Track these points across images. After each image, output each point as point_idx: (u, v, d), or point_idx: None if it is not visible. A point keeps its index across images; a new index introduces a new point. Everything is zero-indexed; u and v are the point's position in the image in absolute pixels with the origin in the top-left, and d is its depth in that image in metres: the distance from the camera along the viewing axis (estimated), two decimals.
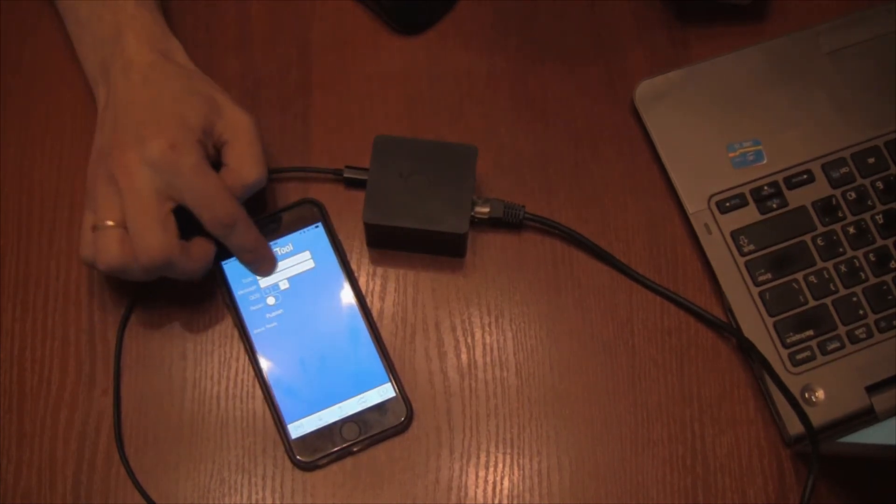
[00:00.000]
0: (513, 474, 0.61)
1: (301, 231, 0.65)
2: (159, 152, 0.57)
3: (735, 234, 0.64)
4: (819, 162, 0.66)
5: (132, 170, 0.57)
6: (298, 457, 0.61)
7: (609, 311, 0.64)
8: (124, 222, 0.57)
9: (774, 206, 0.65)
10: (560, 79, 0.69)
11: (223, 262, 0.64)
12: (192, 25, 0.69)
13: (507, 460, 0.62)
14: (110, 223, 0.57)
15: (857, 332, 0.63)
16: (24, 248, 0.65)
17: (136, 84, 0.59)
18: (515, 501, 0.61)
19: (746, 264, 0.64)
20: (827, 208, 0.65)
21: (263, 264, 0.62)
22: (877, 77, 0.68)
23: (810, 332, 0.63)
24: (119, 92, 0.59)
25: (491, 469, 0.61)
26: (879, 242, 0.64)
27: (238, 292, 0.63)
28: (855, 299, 0.63)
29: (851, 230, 0.64)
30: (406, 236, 0.63)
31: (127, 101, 0.59)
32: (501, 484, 0.61)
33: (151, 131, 0.57)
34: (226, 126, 0.60)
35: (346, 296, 0.64)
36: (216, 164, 0.61)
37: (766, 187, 0.65)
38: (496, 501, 0.61)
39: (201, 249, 0.60)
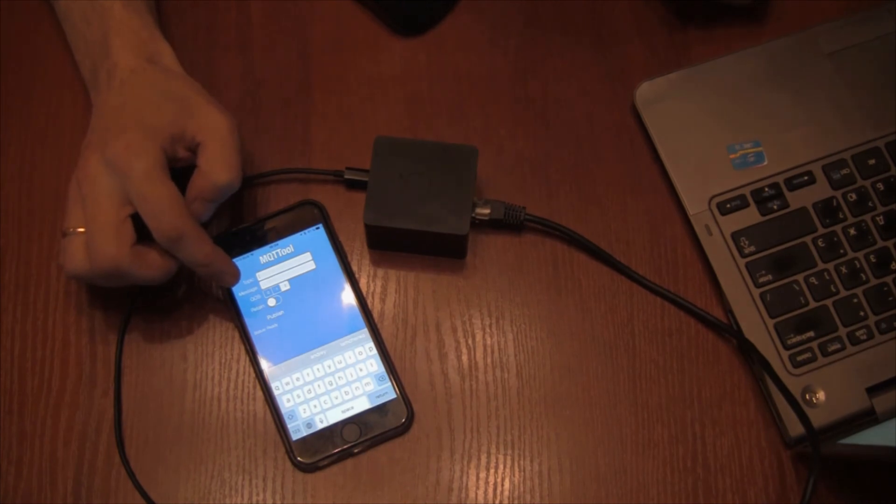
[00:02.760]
0: (513, 475, 0.61)
1: (302, 232, 0.65)
2: (114, 154, 0.56)
3: (736, 236, 0.64)
4: (820, 163, 0.66)
5: (92, 173, 0.56)
6: (299, 458, 0.61)
7: (609, 312, 0.65)
8: None
9: (775, 207, 0.65)
10: (560, 80, 0.69)
11: None
12: (192, 26, 0.69)
13: (508, 461, 0.62)
14: (80, 230, 0.57)
15: (857, 334, 0.63)
16: (24, 248, 0.65)
17: (115, 90, 0.59)
18: (516, 503, 0.61)
19: (747, 265, 0.64)
20: (828, 209, 0.65)
21: (222, 278, 0.61)
22: (877, 78, 0.68)
23: (811, 334, 0.63)
24: (101, 97, 0.60)
25: (492, 470, 0.61)
26: (880, 244, 0.64)
27: (239, 294, 0.63)
28: (856, 300, 0.63)
29: (852, 231, 0.64)
30: (407, 237, 0.63)
31: (104, 108, 0.59)
32: (502, 485, 0.61)
33: (112, 135, 0.57)
34: (199, 127, 0.58)
35: (347, 297, 0.64)
36: (191, 168, 0.59)
37: (766, 188, 0.65)
38: (497, 503, 0.61)
39: (161, 258, 0.58)
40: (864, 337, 0.63)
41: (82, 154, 0.58)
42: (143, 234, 0.57)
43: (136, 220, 0.57)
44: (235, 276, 0.61)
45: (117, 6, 0.61)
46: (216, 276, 0.60)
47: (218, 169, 0.59)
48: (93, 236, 0.56)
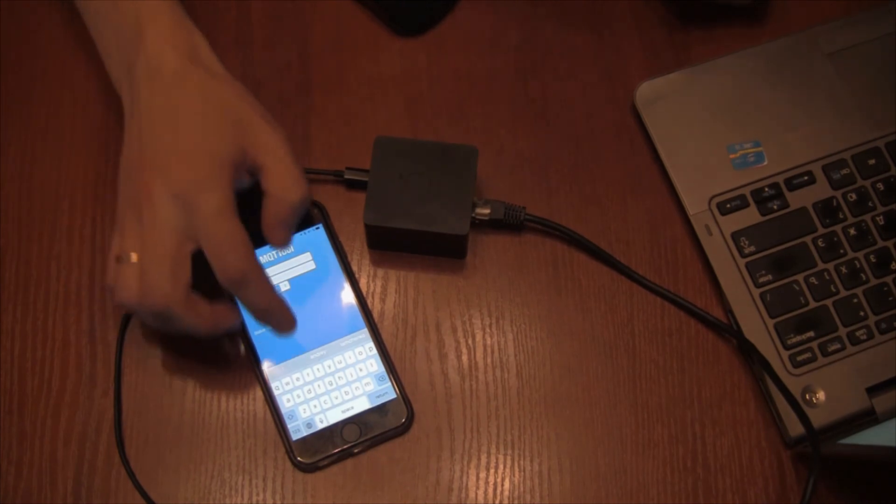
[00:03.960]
0: (513, 476, 0.61)
1: (302, 232, 0.65)
2: (184, 187, 0.53)
3: (736, 236, 0.64)
4: (820, 163, 0.66)
5: (156, 201, 0.54)
6: (299, 458, 0.61)
7: (609, 312, 0.65)
8: None
9: (775, 207, 0.65)
10: (560, 79, 0.69)
11: None
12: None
13: (508, 462, 0.62)
14: (134, 258, 0.54)
15: (857, 334, 0.63)
16: (24, 248, 0.65)
17: (160, 96, 0.56)
18: (516, 503, 0.61)
19: (747, 265, 0.64)
20: (828, 209, 0.65)
21: (279, 326, 0.58)
22: (877, 78, 0.68)
23: (811, 334, 0.63)
24: (143, 102, 0.56)
25: (492, 470, 0.61)
26: (880, 244, 0.64)
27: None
28: (856, 301, 0.63)
29: (852, 231, 0.64)
30: (407, 237, 0.63)
31: (151, 116, 0.55)
32: (502, 485, 0.61)
33: (179, 162, 0.54)
34: (258, 149, 0.56)
35: (347, 297, 0.64)
36: (252, 190, 0.58)
37: (766, 188, 0.65)
38: (497, 503, 0.61)
39: (215, 312, 0.56)
40: (864, 337, 0.63)
41: (141, 170, 0.54)
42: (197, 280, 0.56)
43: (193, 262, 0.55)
44: (292, 324, 0.59)
45: None
46: (273, 324, 0.58)
47: (289, 188, 0.57)
48: (148, 269, 0.54)
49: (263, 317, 0.58)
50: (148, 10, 0.57)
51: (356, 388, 0.62)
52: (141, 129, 0.56)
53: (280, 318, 0.58)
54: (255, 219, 0.58)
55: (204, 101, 0.56)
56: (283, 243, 0.59)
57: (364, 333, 0.63)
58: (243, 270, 0.55)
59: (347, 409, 0.61)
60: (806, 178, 0.65)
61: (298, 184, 0.57)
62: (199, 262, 0.56)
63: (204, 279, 0.56)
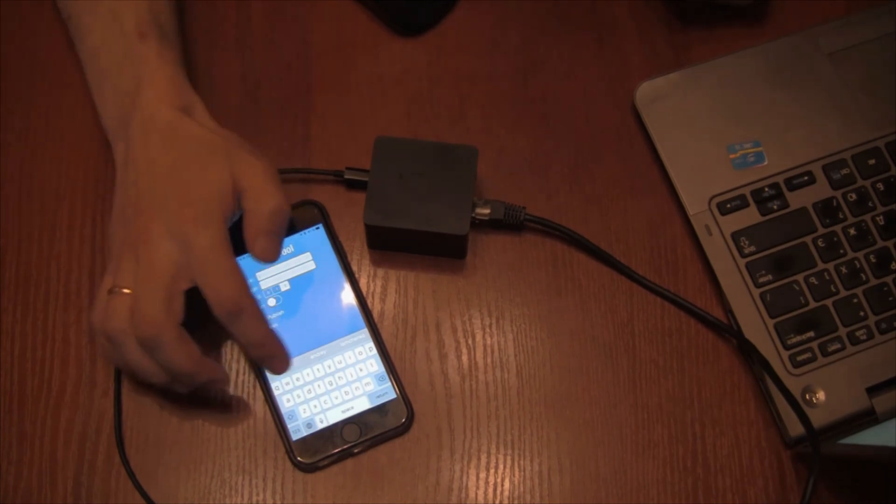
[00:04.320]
0: (513, 476, 0.61)
1: (302, 232, 0.65)
2: (181, 226, 0.55)
3: (736, 236, 0.64)
4: (820, 163, 0.66)
5: (153, 240, 0.55)
6: (299, 458, 0.61)
7: (609, 313, 0.65)
8: None
9: (775, 207, 0.65)
10: (560, 80, 0.69)
11: None
12: (192, 26, 0.69)
13: (508, 462, 0.62)
14: (126, 290, 0.55)
15: (857, 334, 0.63)
16: (24, 248, 0.65)
17: (154, 146, 0.58)
18: (516, 503, 0.61)
19: (747, 265, 0.64)
20: (828, 209, 0.65)
21: (272, 362, 0.59)
22: (877, 78, 0.68)
23: (811, 334, 0.63)
24: (137, 151, 0.58)
25: (492, 470, 0.61)
26: (880, 244, 0.64)
27: None
28: (856, 301, 0.63)
29: (852, 231, 0.64)
30: (407, 237, 0.63)
31: (148, 163, 0.57)
32: (502, 485, 0.61)
33: (176, 203, 0.56)
34: (241, 175, 0.58)
35: (347, 297, 0.64)
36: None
37: (766, 188, 0.65)
38: (497, 503, 0.61)
39: (202, 358, 0.57)
40: (864, 337, 0.63)
41: (139, 214, 0.56)
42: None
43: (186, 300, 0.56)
44: (286, 363, 0.59)
45: (152, 54, 0.59)
46: (266, 360, 0.59)
47: (263, 200, 0.58)
48: (141, 298, 0.55)
49: (258, 352, 0.58)
50: (148, 73, 0.59)
51: (356, 388, 0.62)
52: (138, 175, 0.57)
53: (273, 354, 0.59)
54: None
55: (197, 145, 0.58)
56: (265, 254, 0.58)
57: (364, 333, 0.63)
58: (238, 301, 0.56)
59: (347, 409, 0.61)
60: (806, 178, 0.65)
61: (272, 195, 0.58)
62: (193, 317, 0.56)
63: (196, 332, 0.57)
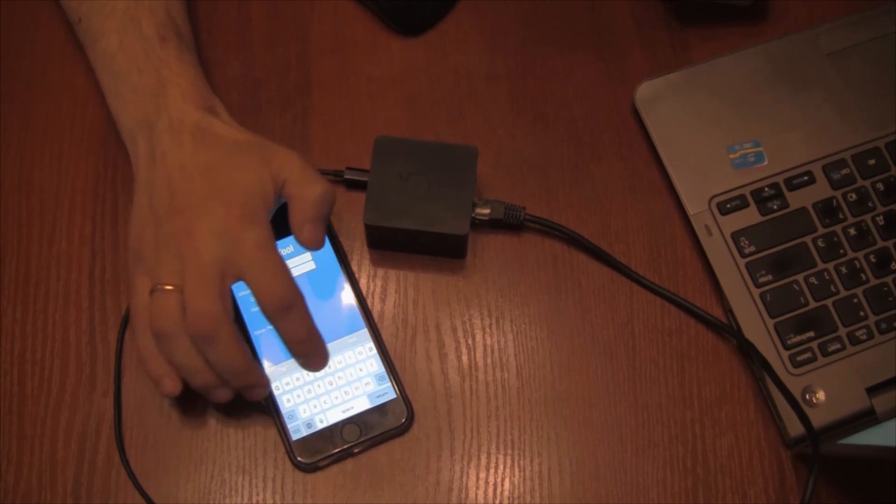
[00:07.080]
0: (513, 476, 0.61)
1: None
2: (226, 225, 0.55)
3: (735, 236, 0.64)
4: (820, 163, 0.66)
5: (198, 238, 0.55)
6: (299, 458, 0.61)
7: (609, 313, 0.65)
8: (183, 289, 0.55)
9: (775, 207, 0.65)
10: (560, 80, 0.69)
11: None
12: (193, 26, 0.69)
13: (508, 462, 0.62)
14: (170, 287, 0.55)
15: (857, 334, 0.63)
16: (24, 248, 0.65)
17: (186, 146, 0.57)
18: (516, 503, 0.61)
19: (747, 265, 0.64)
20: (827, 210, 0.65)
21: (314, 360, 0.58)
22: (877, 78, 0.68)
23: (811, 334, 0.63)
24: (168, 152, 0.57)
25: (492, 470, 0.61)
26: (880, 244, 0.64)
27: (239, 294, 0.63)
28: (856, 301, 0.63)
29: (852, 231, 0.64)
30: (407, 237, 0.63)
31: (180, 163, 0.57)
32: (502, 485, 0.61)
33: (218, 204, 0.56)
34: (279, 168, 0.58)
35: (347, 297, 0.64)
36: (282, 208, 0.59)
37: (766, 188, 0.65)
38: (497, 503, 0.61)
39: (248, 355, 0.56)
40: (864, 337, 0.63)
41: (177, 214, 0.56)
42: None
43: None
44: (325, 361, 0.59)
45: (173, 57, 0.60)
46: (308, 357, 0.58)
47: (307, 186, 0.58)
48: (194, 294, 0.54)
49: (301, 349, 0.57)
50: (171, 75, 0.59)
51: (356, 388, 0.62)
52: (169, 176, 0.57)
53: (316, 350, 0.58)
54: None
55: (230, 144, 0.58)
56: (312, 241, 0.58)
57: (364, 333, 0.63)
58: (287, 298, 0.55)
59: (347, 409, 0.61)
60: (806, 178, 0.65)
61: (315, 181, 0.58)
62: None
63: None
